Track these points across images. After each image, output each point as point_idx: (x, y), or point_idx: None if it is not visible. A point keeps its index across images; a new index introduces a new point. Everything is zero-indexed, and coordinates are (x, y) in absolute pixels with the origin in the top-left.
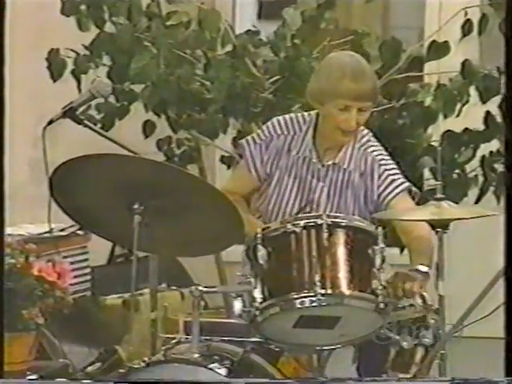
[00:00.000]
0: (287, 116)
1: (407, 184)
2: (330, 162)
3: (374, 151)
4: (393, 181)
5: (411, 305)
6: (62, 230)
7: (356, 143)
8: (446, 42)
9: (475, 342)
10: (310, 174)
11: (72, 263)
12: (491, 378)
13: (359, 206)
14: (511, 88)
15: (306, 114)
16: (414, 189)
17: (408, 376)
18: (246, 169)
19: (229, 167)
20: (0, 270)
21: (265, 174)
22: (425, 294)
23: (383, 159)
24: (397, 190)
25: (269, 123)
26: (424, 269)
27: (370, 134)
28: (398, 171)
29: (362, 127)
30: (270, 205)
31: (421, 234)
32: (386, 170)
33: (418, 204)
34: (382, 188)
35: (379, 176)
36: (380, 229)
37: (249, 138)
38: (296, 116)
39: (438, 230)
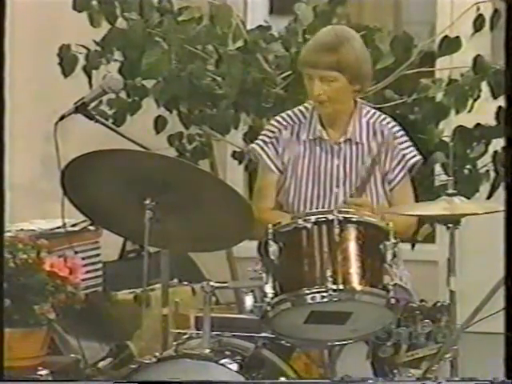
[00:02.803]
0: (289, 111)
1: (416, 159)
2: (342, 139)
3: (388, 123)
4: (403, 156)
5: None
6: (73, 226)
7: (362, 117)
8: (457, 37)
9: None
10: (324, 153)
11: (83, 258)
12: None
13: (375, 180)
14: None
15: (306, 104)
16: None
17: (419, 371)
18: (268, 169)
19: (240, 163)
20: (0, 269)
21: (282, 165)
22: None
23: (399, 131)
24: (401, 175)
25: (272, 121)
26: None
27: (374, 110)
28: (409, 144)
29: (360, 102)
30: (290, 195)
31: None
32: (399, 143)
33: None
34: (393, 165)
35: (393, 149)
36: (391, 224)
37: (258, 141)
38: (298, 108)
39: (450, 225)
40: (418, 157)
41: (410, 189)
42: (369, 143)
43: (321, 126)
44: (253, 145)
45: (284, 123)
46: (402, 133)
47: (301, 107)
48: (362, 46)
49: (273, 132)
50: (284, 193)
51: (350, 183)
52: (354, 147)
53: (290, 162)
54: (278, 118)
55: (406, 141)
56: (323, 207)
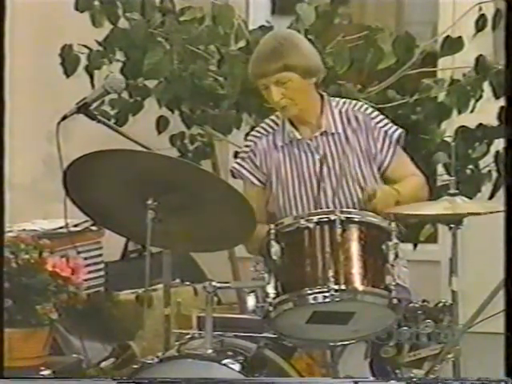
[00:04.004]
0: (262, 123)
1: (399, 131)
2: (317, 133)
3: (361, 107)
4: (385, 133)
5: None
6: (75, 226)
7: (334, 108)
8: (459, 37)
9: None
10: (303, 152)
11: (86, 258)
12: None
13: (360, 165)
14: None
15: (277, 113)
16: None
17: (421, 372)
18: (250, 183)
19: None
20: (0, 269)
21: (263, 176)
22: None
23: (373, 112)
24: (391, 151)
25: (248, 136)
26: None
27: (344, 99)
28: (387, 121)
29: (327, 95)
30: (280, 200)
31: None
32: (377, 123)
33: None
34: (379, 146)
35: (372, 130)
36: (393, 224)
37: (236, 159)
38: (270, 118)
39: (452, 225)
40: (400, 129)
41: (406, 159)
42: (345, 132)
43: (293, 126)
44: (233, 164)
45: (258, 135)
46: (376, 113)
47: (272, 116)
48: (304, 42)
49: (248, 146)
50: (273, 200)
51: (336, 174)
52: (330, 138)
53: (272, 171)
54: (252, 132)
55: (382, 119)
56: (315, 204)
